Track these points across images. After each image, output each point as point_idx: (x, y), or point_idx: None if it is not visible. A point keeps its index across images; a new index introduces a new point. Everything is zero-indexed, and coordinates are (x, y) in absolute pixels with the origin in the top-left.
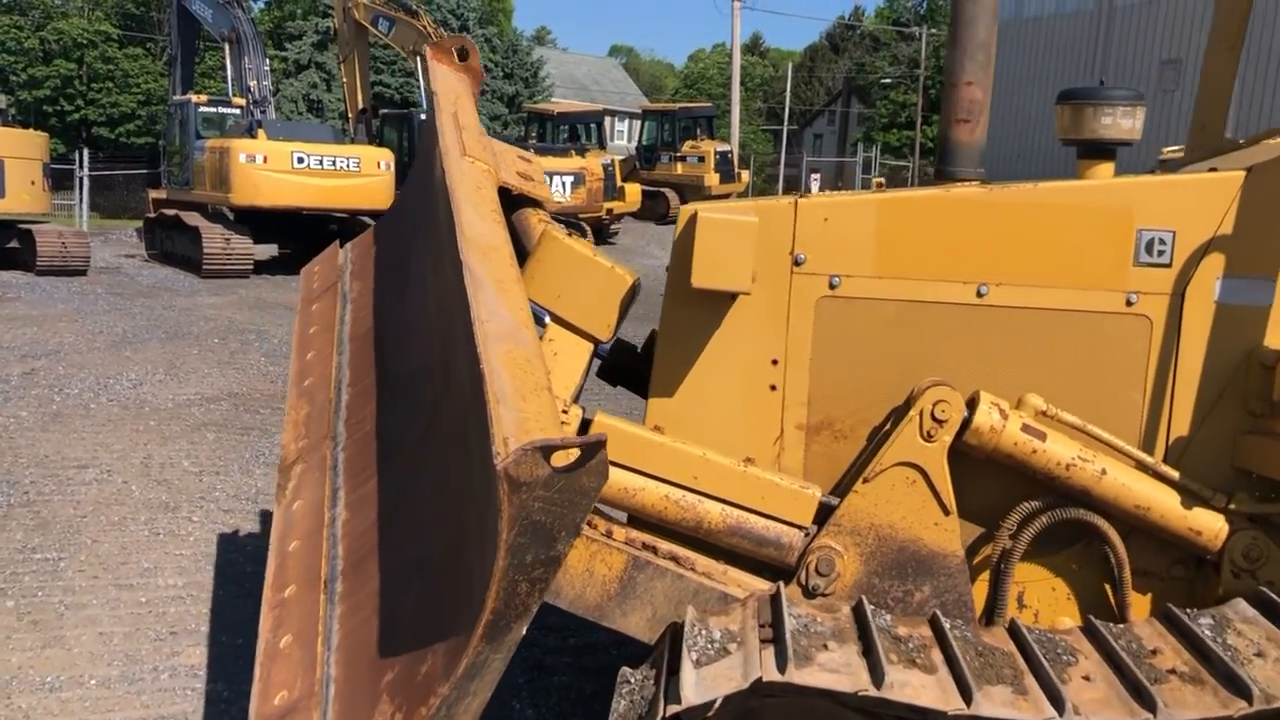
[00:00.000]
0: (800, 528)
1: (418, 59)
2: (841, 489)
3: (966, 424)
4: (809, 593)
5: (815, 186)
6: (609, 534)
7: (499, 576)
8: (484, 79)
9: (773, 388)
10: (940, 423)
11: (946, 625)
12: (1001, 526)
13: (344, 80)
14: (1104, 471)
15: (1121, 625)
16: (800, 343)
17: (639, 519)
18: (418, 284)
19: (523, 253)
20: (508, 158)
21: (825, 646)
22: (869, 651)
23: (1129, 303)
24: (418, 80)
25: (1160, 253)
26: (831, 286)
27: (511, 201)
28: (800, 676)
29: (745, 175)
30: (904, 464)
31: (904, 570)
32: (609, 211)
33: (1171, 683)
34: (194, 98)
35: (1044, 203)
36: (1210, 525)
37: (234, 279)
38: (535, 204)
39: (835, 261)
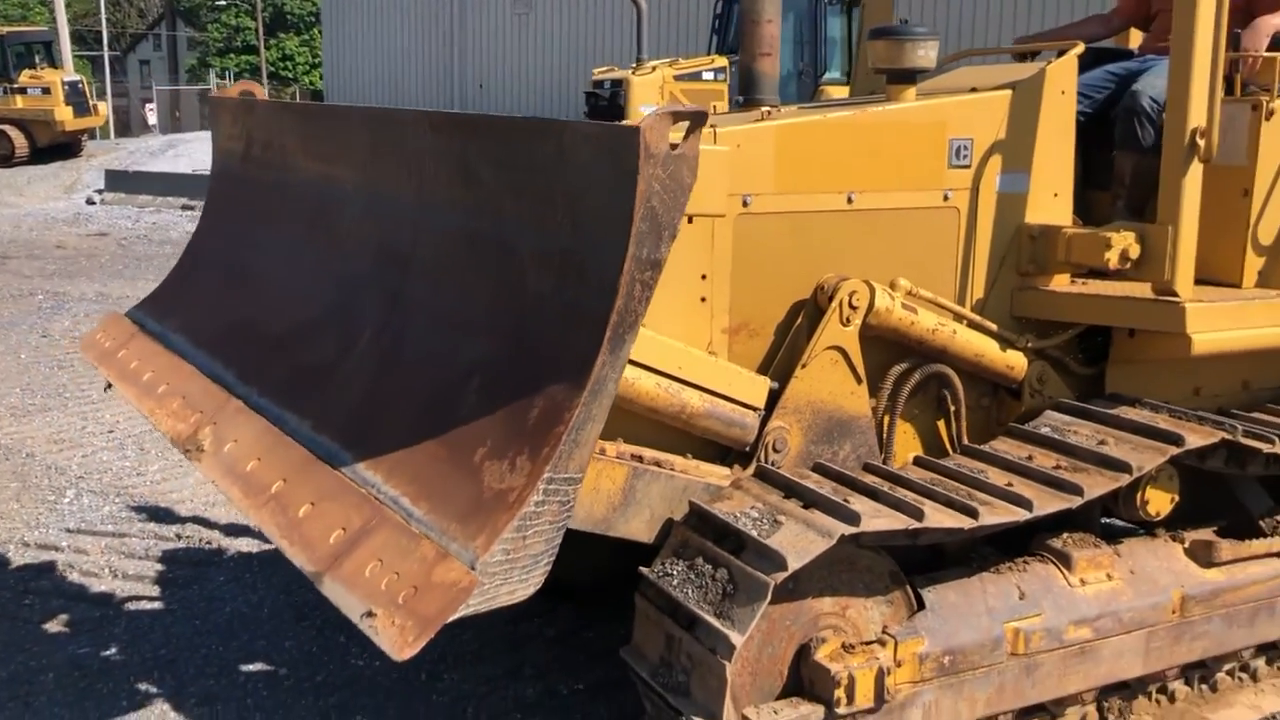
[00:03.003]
0: (755, 410)
1: None
2: (776, 375)
3: (869, 308)
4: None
5: (153, 118)
6: (603, 451)
7: (629, 267)
8: None
9: (703, 299)
10: (855, 309)
11: (891, 469)
12: (882, 388)
13: None
14: (955, 332)
15: (987, 445)
16: (723, 257)
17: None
18: (297, 245)
19: None
20: None
21: (847, 501)
22: (876, 497)
23: (945, 198)
24: None
25: (964, 156)
26: (745, 205)
27: None
28: (868, 525)
29: (103, 108)
30: (831, 348)
31: (831, 435)
32: None
33: (1066, 474)
34: None
35: (891, 121)
36: (1019, 361)
37: None
38: None
39: (747, 183)
